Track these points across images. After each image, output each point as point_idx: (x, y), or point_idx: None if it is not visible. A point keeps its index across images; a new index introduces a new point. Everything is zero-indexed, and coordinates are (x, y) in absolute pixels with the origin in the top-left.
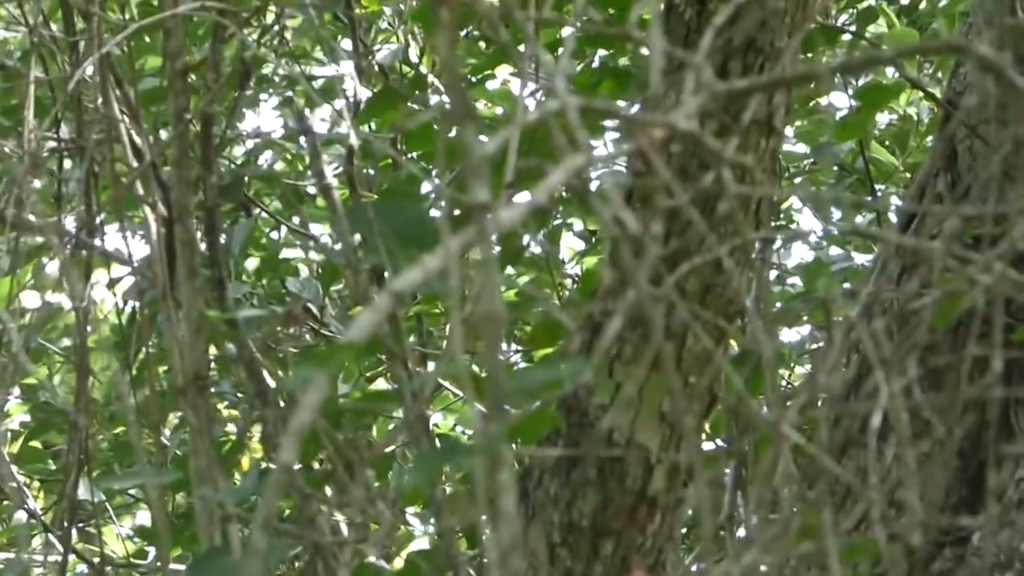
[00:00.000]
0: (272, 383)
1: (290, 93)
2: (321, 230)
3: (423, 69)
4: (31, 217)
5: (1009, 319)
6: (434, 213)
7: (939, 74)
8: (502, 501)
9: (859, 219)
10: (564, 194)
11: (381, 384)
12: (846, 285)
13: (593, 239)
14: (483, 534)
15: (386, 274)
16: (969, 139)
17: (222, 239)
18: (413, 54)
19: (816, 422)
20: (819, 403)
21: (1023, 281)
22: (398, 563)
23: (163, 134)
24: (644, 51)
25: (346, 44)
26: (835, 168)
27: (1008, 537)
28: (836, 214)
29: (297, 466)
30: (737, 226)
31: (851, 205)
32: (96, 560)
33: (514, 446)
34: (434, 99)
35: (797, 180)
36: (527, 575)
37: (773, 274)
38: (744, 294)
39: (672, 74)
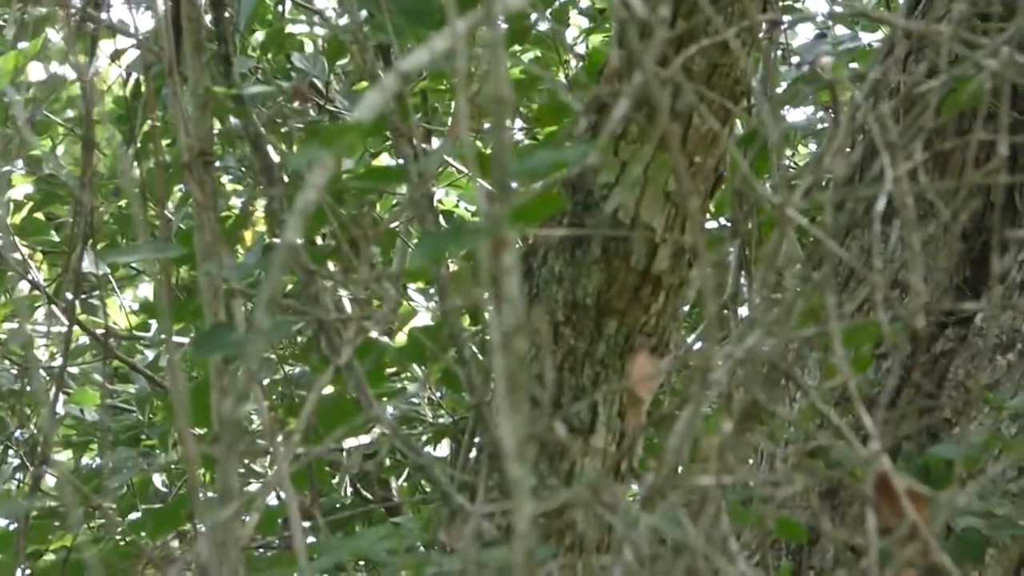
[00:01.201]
0: (277, 159)
1: None
2: (327, 4)
3: None
4: None
5: (1017, 113)
6: None
7: None
8: (505, 282)
9: (866, 0)
10: None
11: (386, 160)
12: (853, 65)
13: (600, 16)
14: (486, 313)
15: (392, 51)
16: None
17: (227, 14)
18: None
19: (821, 204)
20: (824, 185)
21: None
22: (401, 339)
23: None
24: None
25: None
26: None
27: (1010, 319)
28: None
29: (300, 242)
30: (744, 7)
31: None
32: (99, 332)
33: (519, 226)
34: None
35: None
36: (530, 354)
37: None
38: (750, 75)
39: None
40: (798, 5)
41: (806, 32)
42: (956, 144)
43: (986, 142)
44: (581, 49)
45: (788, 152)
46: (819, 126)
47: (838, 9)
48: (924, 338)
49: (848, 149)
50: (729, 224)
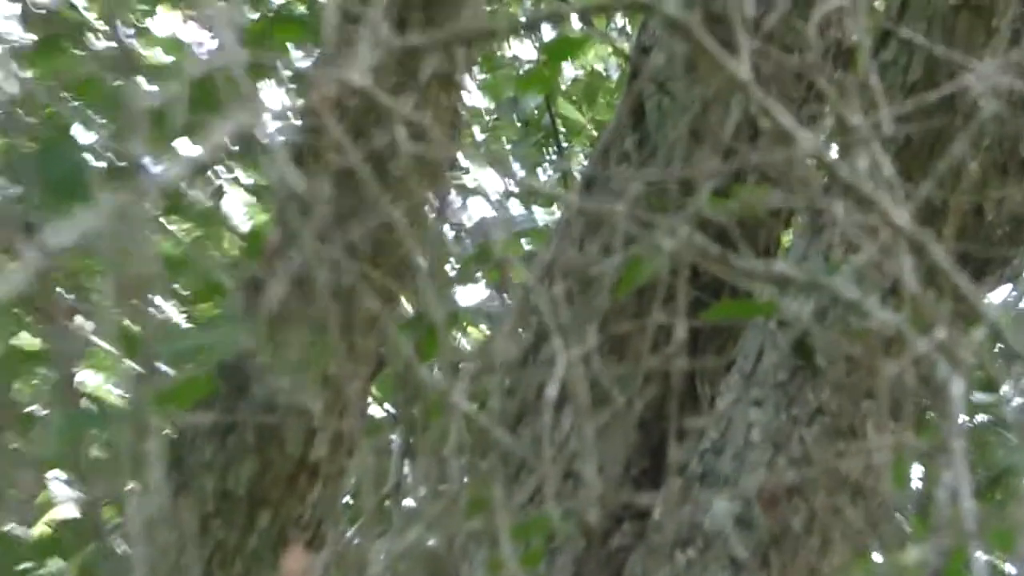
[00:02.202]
0: None
1: None
2: None
3: (88, 14)
4: None
5: (697, 291)
6: (93, 164)
7: (628, 28)
8: (150, 469)
9: (544, 177)
10: (233, 149)
11: (27, 339)
12: (528, 246)
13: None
14: (129, 502)
15: (38, 225)
16: (658, 96)
17: None
18: None
19: (490, 390)
20: (494, 370)
21: (708, 247)
22: (40, 530)
23: None
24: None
25: None
26: (520, 124)
27: (689, 512)
28: (520, 171)
29: None
30: (411, 186)
31: (533, 164)
32: None
33: (166, 410)
34: (99, 45)
35: (481, 136)
36: (175, 547)
37: (450, 233)
38: (417, 254)
39: (348, 26)
40: (471, 182)
41: (480, 209)
42: (633, 327)
43: (665, 325)
44: (248, 226)
45: (457, 334)
46: (490, 307)
47: (512, 187)
48: (598, 532)
49: (519, 332)
50: (392, 410)
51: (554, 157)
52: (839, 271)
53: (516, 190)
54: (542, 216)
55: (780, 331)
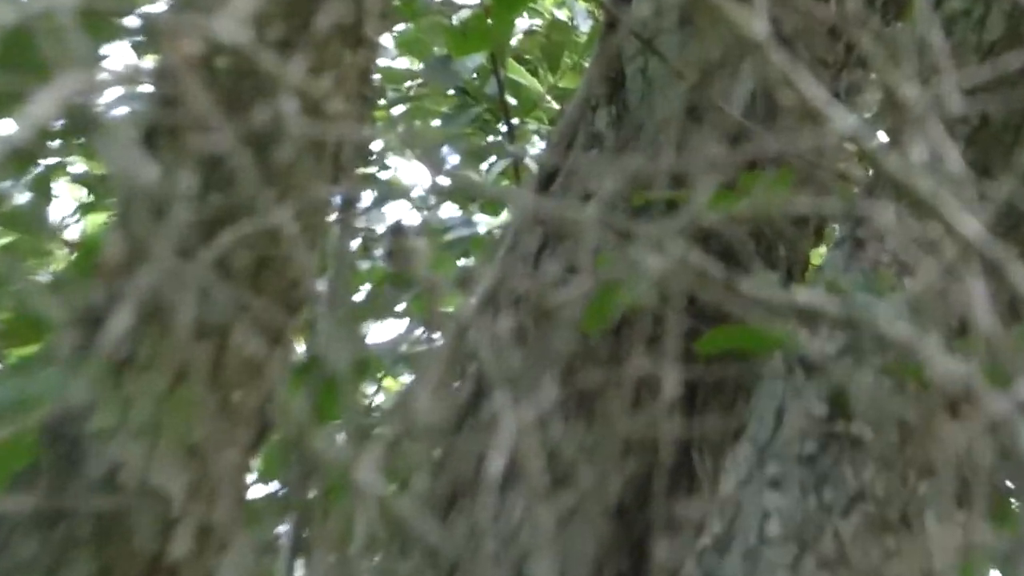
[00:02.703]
0: None
1: None
2: None
3: None
4: None
5: (693, 319)
6: None
7: None
8: None
9: (485, 167)
10: (60, 126)
11: None
12: (463, 262)
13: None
14: None
15: None
16: (642, 58)
17: None
18: None
19: (412, 463)
20: (417, 436)
21: (708, 267)
22: None
23: None
24: None
25: None
26: (455, 92)
27: None
28: (452, 160)
29: None
30: (305, 180)
31: (472, 149)
32: None
33: None
34: None
35: (400, 111)
36: None
37: (359, 245)
38: (313, 274)
39: None
40: (387, 174)
41: (399, 212)
42: (607, 377)
43: (650, 374)
44: (79, 232)
45: (367, 387)
46: (413, 350)
47: (443, 181)
48: None
49: (454, 384)
50: (282, 491)
51: (501, 140)
52: (887, 301)
53: (448, 185)
54: (484, 222)
55: (808, 382)
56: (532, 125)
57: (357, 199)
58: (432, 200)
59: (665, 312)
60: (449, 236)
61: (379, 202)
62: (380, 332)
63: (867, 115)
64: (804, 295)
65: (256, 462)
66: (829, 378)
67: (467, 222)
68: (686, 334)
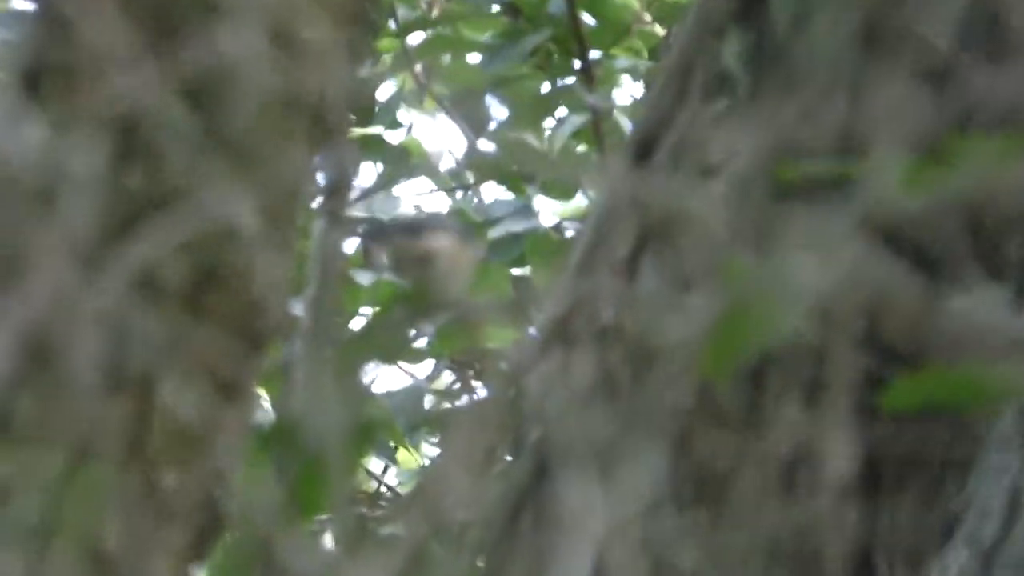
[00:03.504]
0: None
1: None
2: None
3: None
4: None
5: (875, 359)
6: None
7: None
8: None
9: (550, 127)
10: None
11: None
12: (518, 273)
13: None
14: None
15: None
16: None
17: None
18: None
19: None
20: (449, 539)
21: (898, 278)
22: None
23: None
24: None
25: None
26: (501, 11)
27: None
28: (499, 116)
29: None
30: (272, 147)
31: (530, 99)
32: None
33: None
34: None
35: (417, 39)
36: None
37: (355, 246)
38: (286, 293)
39: None
40: (399, 140)
41: (417, 195)
42: (743, 449)
43: (808, 446)
44: None
45: (371, 465)
46: (441, 406)
47: (488, 149)
48: None
49: (503, 458)
50: None
51: (573, 84)
52: None
53: (493, 155)
54: (549, 212)
55: None
56: (622, 61)
57: (352, 177)
58: (469, 177)
59: (831, 349)
60: (495, 232)
61: (388, 181)
62: (390, 380)
63: None
64: None
65: None
66: None
67: (524, 211)
68: (864, 383)
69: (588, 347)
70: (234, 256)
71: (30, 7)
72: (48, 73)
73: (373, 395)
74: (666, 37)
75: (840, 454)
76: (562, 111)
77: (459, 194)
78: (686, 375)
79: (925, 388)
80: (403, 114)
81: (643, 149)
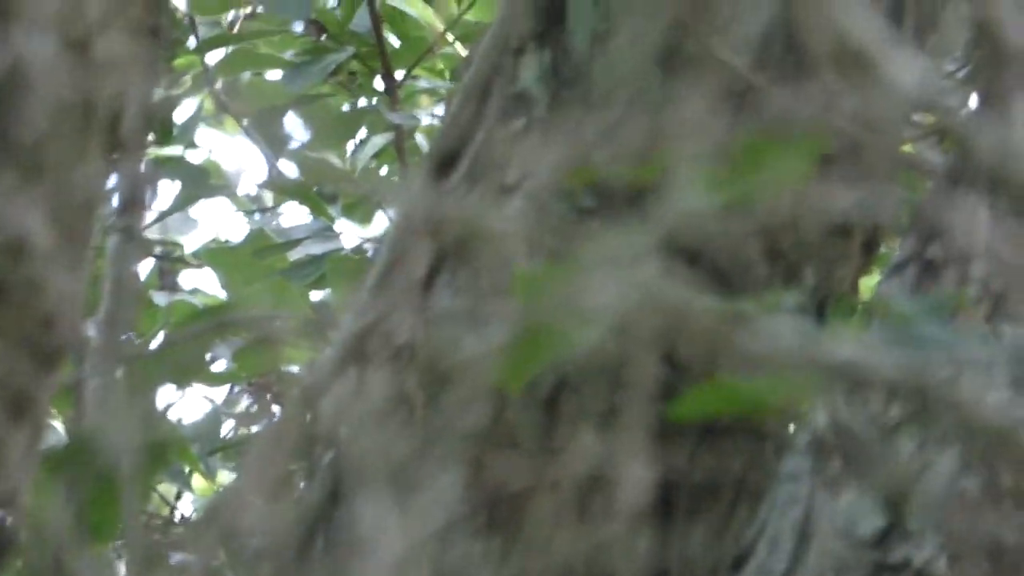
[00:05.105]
0: None
1: None
2: None
3: None
4: None
5: (671, 378)
6: None
7: None
8: None
9: (351, 146)
10: None
11: None
12: (316, 295)
13: None
14: None
15: None
16: None
17: None
18: None
19: None
20: (243, 563)
21: (696, 298)
22: None
23: None
24: None
25: None
26: (304, 28)
27: None
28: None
29: None
30: (63, 159)
31: (332, 118)
32: None
33: None
34: None
35: (216, 55)
36: None
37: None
38: (79, 310)
39: None
40: (197, 159)
41: (216, 216)
42: (537, 472)
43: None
44: None
45: (165, 488)
46: (237, 429)
47: (288, 169)
48: None
49: (298, 482)
50: None
51: (376, 103)
52: (976, 348)
53: (293, 175)
54: (349, 233)
55: (850, 478)
56: (423, 80)
57: (147, 194)
58: (268, 198)
59: (627, 372)
60: (295, 254)
61: (185, 200)
62: (185, 402)
63: (946, 64)
64: (846, 346)
65: None
66: (884, 473)
67: (323, 232)
68: (660, 408)
69: (383, 368)
70: (24, 269)
71: None
72: None
73: (167, 418)
74: (468, 57)
75: (634, 480)
76: (363, 131)
77: (257, 216)
78: (481, 397)
79: (710, 399)
80: (202, 133)
81: (441, 167)
